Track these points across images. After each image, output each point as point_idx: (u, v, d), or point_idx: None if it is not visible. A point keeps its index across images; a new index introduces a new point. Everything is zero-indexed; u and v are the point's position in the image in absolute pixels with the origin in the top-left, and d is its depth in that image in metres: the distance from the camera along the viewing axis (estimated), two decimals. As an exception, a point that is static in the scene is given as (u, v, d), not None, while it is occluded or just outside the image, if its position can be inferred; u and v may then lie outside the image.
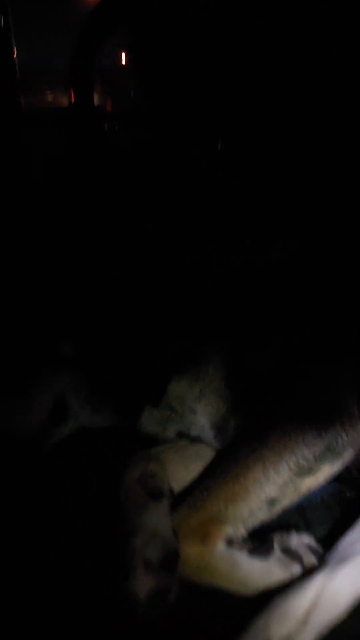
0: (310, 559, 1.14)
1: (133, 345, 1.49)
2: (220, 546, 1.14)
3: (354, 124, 2.09)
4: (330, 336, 1.32)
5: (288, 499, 1.20)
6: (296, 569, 1.13)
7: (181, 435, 1.46)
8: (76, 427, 1.53)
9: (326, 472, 1.22)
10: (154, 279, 1.54)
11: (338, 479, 1.28)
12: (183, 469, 1.36)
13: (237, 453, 1.22)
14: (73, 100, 2.95)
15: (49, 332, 1.51)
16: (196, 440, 1.43)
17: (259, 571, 1.12)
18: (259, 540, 1.18)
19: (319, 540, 1.21)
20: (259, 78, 2.33)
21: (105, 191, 2.26)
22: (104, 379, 1.51)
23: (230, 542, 1.15)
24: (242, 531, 1.17)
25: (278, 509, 1.20)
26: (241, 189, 1.99)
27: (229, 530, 1.16)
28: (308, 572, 1.10)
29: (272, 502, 1.19)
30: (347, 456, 1.23)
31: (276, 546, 1.16)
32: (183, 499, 1.21)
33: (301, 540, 1.17)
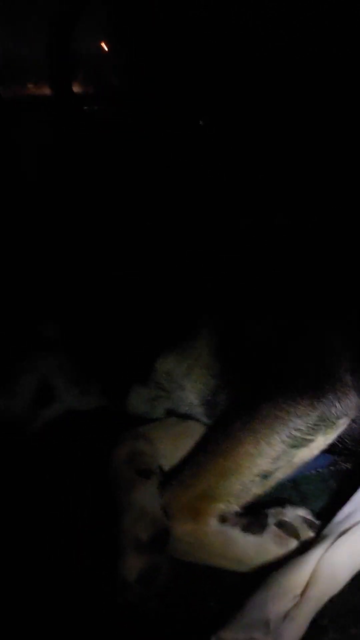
0: (307, 533, 1.11)
1: (118, 324, 1.43)
2: (213, 523, 1.10)
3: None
4: (320, 306, 1.27)
5: (282, 472, 1.16)
6: (292, 544, 1.09)
7: (171, 413, 1.42)
8: (63, 409, 1.49)
9: (320, 443, 1.18)
10: (138, 256, 1.49)
11: (332, 451, 1.24)
12: (172, 446, 1.32)
13: (227, 427, 1.18)
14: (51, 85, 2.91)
15: (31, 315, 1.46)
16: (186, 417, 1.39)
17: (254, 547, 1.09)
18: (253, 515, 1.14)
19: (315, 514, 1.17)
20: (239, 54, 2.30)
21: (87, 173, 2.21)
22: (90, 359, 1.46)
23: (223, 519, 1.12)
24: (234, 507, 1.13)
25: (272, 482, 1.16)
26: (227, 167, 1.94)
27: (221, 506, 1.12)
28: (305, 546, 1.06)
29: (265, 475, 1.15)
30: (340, 426, 1.19)
31: (271, 521, 1.12)
32: (173, 477, 1.16)
33: (297, 514, 1.14)
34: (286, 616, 0.92)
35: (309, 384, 1.18)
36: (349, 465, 1.33)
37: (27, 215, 1.81)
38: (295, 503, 1.21)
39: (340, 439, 1.23)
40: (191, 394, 1.33)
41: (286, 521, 1.12)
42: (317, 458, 1.21)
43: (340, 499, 1.16)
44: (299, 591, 0.96)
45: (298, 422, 1.15)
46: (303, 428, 1.15)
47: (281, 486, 1.20)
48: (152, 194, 1.72)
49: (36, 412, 1.43)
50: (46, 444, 1.43)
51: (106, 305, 1.45)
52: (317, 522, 1.13)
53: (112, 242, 1.52)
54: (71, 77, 3.02)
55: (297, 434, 1.15)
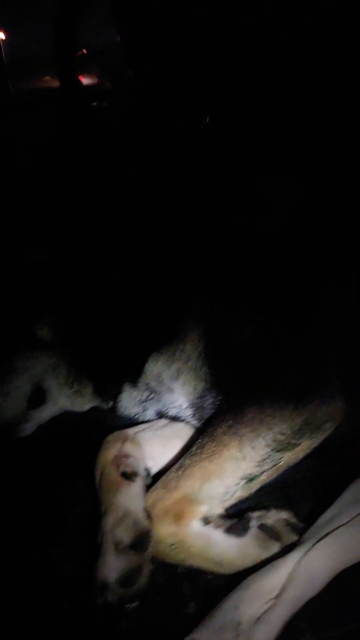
0: (290, 536, 1.11)
1: (111, 326, 1.45)
2: (195, 525, 1.11)
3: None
4: (307, 309, 1.27)
5: (266, 476, 1.18)
6: (275, 547, 1.09)
7: (161, 415, 1.43)
8: (56, 410, 1.51)
9: (306, 446, 1.19)
10: (131, 260, 1.50)
11: (320, 454, 1.24)
12: (160, 448, 1.33)
13: (213, 430, 1.19)
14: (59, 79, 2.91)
15: (25, 316, 1.48)
16: (175, 419, 1.40)
17: (235, 550, 1.09)
18: (237, 518, 1.14)
19: (300, 517, 1.17)
20: (244, 49, 2.28)
21: (91, 166, 2.22)
22: (83, 360, 1.48)
23: (206, 521, 1.13)
24: (218, 509, 1.15)
25: (256, 485, 1.18)
26: (229, 164, 1.94)
27: (204, 509, 1.13)
28: (286, 550, 1.07)
29: (249, 479, 1.16)
30: (327, 429, 1.20)
31: (253, 523, 1.13)
32: (159, 479, 1.18)
33: (280, 517, 1.14)
34: (259, 619, 0.93)
35: (295, 388, 1.18)
36: (335, 469, 1.32)
37: (22, 213, 1.83)
38: (280, 506, 1.22)
39: (327, 442, 1.23)
40: (180, 396, 1.35)
41: (269, 524, 1.13)
42: (304, 460, 1.21)
43: (325, 502, 1.16)
44: (274, 594, 0.97)
45: (283, 426, 1.15)
46: (288, 432, 1.16)
47: (267, 489, 1.20)
48: (148, 198, 1.72)
49: (29, 412, 1.46)
50: (38, 444, 1.45)
51: (99, 308, 1.47)
52: (300, 525, 1.14)
53: (107, 246, 1.53)
54: (76, 70, 3.00)
55: (282, 437, 1.15)
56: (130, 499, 1.14)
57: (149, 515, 1.12)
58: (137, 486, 1.17)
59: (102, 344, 1.46)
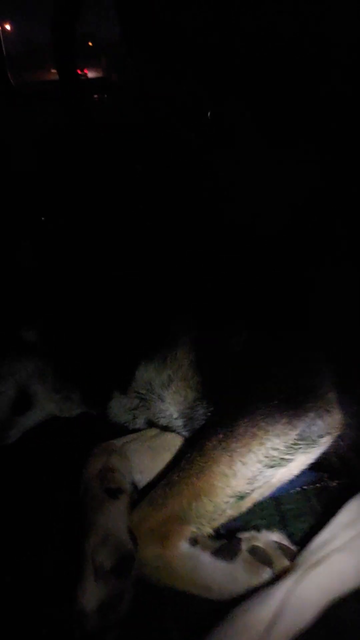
0: (281, 561, 1.05)
1: (100, 330, 1.38)
2: (182, 547, 1.06)
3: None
4: (303, 318, 1.20)
5: (258, 493, 1.11)
6: (265, 572, 1.03)
7: (151, 424, 1.36)
8: (43, 416, 1.45)
9: (300, 462, 1.12)
10: (121, 262, 1.43)
11: (317, 468, 1.18)
12: (149, 461, 1.27)
13: (202, 444, 1.12)
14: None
15: (11, 319, 1.41)
16: (166, 429, 1.33)
17: (224, 574, 1.04)
18: (226, 539, 1.08)
19: (294, 536, 1.12)
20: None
21: (88, 162, 2.14)
22: (71, 365, 1.42)
23: (194, 542, 1.07)
24: (207, 529, 1.08)
25: (247, 503, 1.11)
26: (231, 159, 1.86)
27: (192, 529, 1.07)
28: (277, 576, 1.00)
29: (240, 497, 1.09)
30: (323, 444, 1.13)
31: (243, 546, 1.07)
32: (144, 496, 1.11)
33: (271, 539, 1.08)
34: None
35: (289, 401, 1.11)
36: (334, 484, 1.26)
37: (11, 211, 1.76)
38: (274, 524, 1.16)
39: (325, 456, 1.16)
40: (170, 405, 1.28)
41: (259, 547, 1.07)
42: (300, 475, 1.14)
43: (323, 520, 1.10)
44: (262, 627, 0.90)
45: (276, 441, 1.09)
46: (281, 447, 1.09)
47: (260, 505, 1.14)
48: (142, 199, 1.64)
49: (13, 419, 1.40)
50: (23, 451, 1.40)
51: (88, 311, 1.40)
52: (293, 548, 1.08)
53: (97, 247, 1.46)
54: (75, 62, 2.92)
55: (275, 453, 1.09)
56: (114, 518, 1.08)
57: (133, 535, 1.06)
58: (121, 504, 1.11)
59: (91, 348, 1.39)
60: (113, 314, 1.37)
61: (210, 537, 1.09)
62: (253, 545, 1.07)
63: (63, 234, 1.53)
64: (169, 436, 1.33)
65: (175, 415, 1.28)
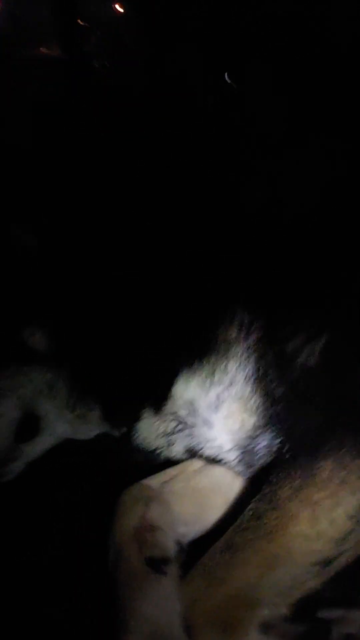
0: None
1: (125, 331, 1.10)
2: (253, 636, 0.81)
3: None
4: None
5: (346, 557, 0.88)
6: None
7: (192, 453, 1.11)
8: (54, 441, 1.19)
9: None
10: (150, 244, 1.14)
11: None
12: (196, 507, 1.04)
13: (272, 492, 0.89)
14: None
15: (10, 320, 1.13)
16: (213, 462, 1.07)
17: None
18: (309, 622, 0.83)
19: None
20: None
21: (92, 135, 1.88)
22: (88, 376, 1.14)
23: (266, 627, 0.83)
24: (283, 610, 0.85)
25: (332, 571, 0.88)
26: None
27: (264, 611, 0.84)
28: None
29: (325, 563, 0.86)
30: None
31: (335, 633, 0.80)
32: (197, 565, 0.84)
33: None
34: None
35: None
36: None
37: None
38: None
39: None
40: (221, 433, 1.03)
41: (355, 635, 0.80)
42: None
43: None
44: None
45: None
46: (379, 498, 0.85)
47: (347, 574, 0.89)
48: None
49: (17, 448, 1.15)
50: (29, 490, 1.13)
51: (109, 307, 1.11)
52: None
53: (118, 225, 1.17)
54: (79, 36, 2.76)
55: (371, 505, 0.85)
56: (160, 604, 0.81)
57: (187, 622, 0.79)
58: (168, 582, 0.85)
59: (113, 354, 1.12)
60: (143, 311, 1.09)
61: (286, 619, 0.84)
62: (347, 632, 0.82)
63: (71, 206, 1.24)
64: (218, 472, 1.07)
65: (227, 446, 1.02)
